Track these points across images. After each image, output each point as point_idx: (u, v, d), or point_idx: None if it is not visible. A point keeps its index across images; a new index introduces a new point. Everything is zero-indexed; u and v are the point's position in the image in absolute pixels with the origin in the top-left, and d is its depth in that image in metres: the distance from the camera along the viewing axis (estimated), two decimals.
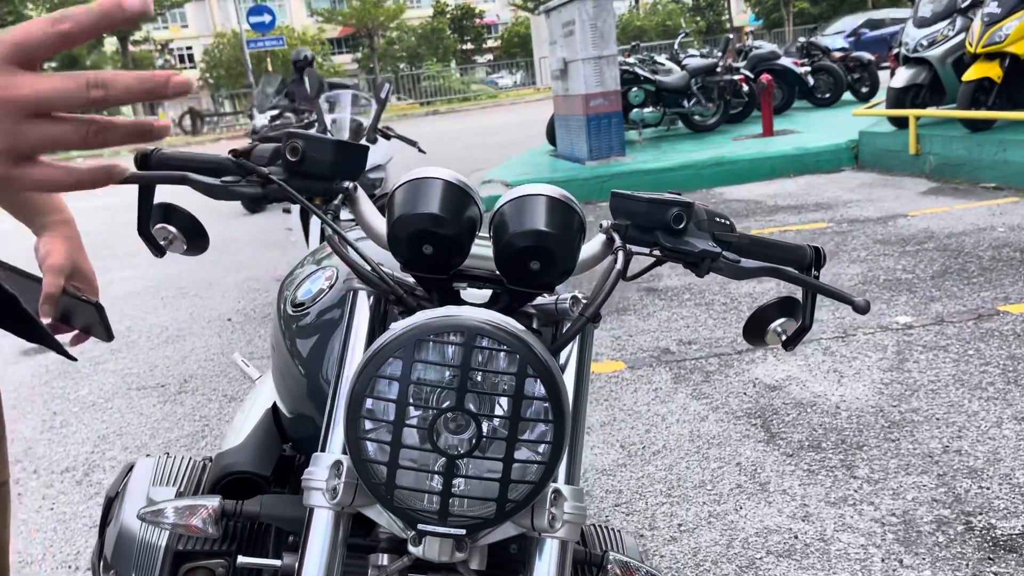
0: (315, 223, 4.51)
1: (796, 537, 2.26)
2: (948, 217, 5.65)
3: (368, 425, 0.80)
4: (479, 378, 0.80)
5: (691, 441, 2.87)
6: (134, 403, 3.77)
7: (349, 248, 0.92)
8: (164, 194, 0.94)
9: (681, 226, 0.96)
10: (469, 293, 0.99)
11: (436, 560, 0.86)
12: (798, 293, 1.04)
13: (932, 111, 7.30)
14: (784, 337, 1.04)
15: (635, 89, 9.74)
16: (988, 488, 2.38)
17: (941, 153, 7.07)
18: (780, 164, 7.95)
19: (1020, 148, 6.33)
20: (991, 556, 2.08)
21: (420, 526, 0.80)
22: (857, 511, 2.35)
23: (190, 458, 1.33)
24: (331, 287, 1.17)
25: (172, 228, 1.03)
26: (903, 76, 7.59)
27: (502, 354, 0.79)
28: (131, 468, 1.31)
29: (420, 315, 0.81)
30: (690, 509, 2.45)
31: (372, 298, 0.95)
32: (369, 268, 0.91)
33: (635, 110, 9.78)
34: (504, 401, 0.80)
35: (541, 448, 0.81)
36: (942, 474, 2.48)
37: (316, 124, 4.59)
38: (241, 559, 0.98)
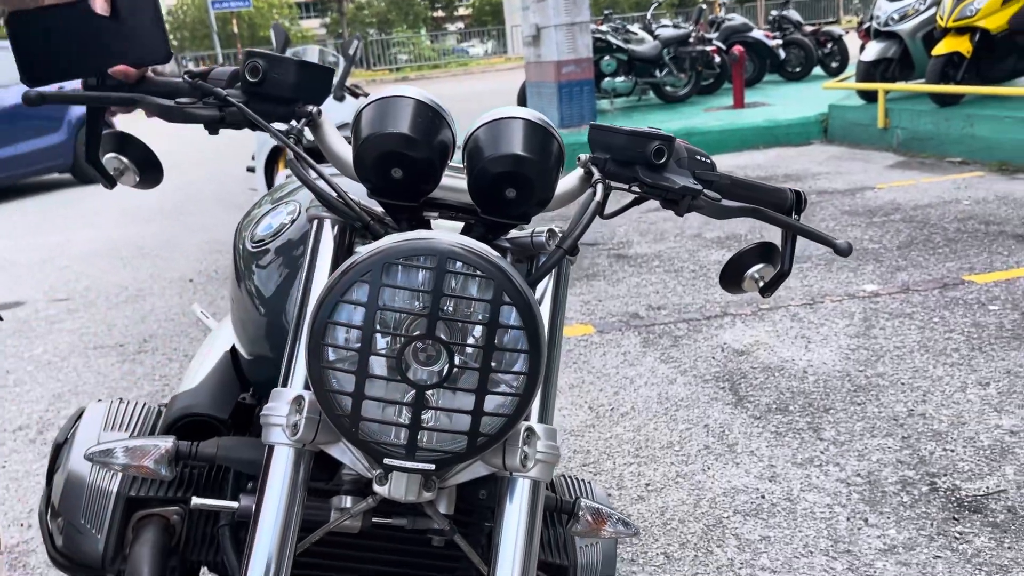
0: (280, 181, 4.42)
1: (763, 497, 2.26)
2: (914, 190, 5.69)
3: (331, 355, 0.75)
4: (451, 305, 0.75)
5: (659, 403, 2.86)
6: (91, 362, 3.67)
7: (312, 172, 0.87)
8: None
9: (662, 161, 0.92)
10: (439, 224, 0.95)
11: (402, 499, 0.82)
12: (775, 239, 1.01)
13: (901, 85, 7.34)
14: (762, 283, 1.01)
15: (607, 58, 9.67)
16: (952, 451, 2.40)
17: (909, 127, 7.11)
18: (751, 136, 7.95)
19: (987, 123, 6.39)
20: (955, 516, 2.10)
21: (387, 460, 0.76)
22: (823, 472, 2.35)
23: (144, 403, 1.27)
24: (293, 222, 1.11)
25: (124, 159, 0.98)
26: (873, 50, 7.61)
27: (476, 280, 0.74)
28: (81, 413, 1.25)
29: (389, 238, 0.76)
30: (658, 469, 2.44)
31: (336, 227, 0.90)
32: (335, 194, 0.86)
33: (607, 79, 9.71)
34: (477, 330, 0.76)
35: (516, 380, 0.77)
36: (907, 437, 2.50)
37: None
38: (195, 500, 0.93)
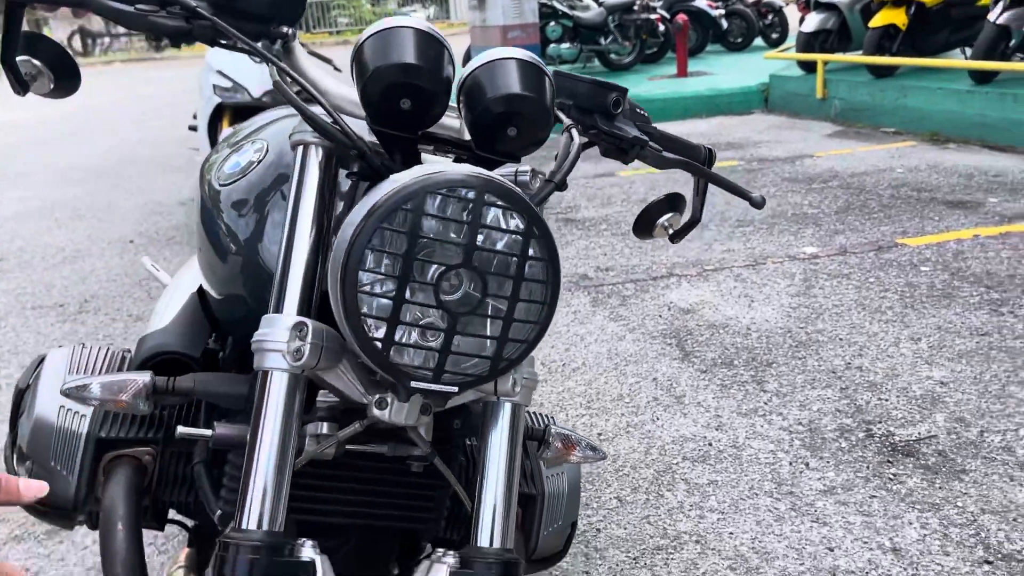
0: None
1: (710, 444, 2.34)
2: (851, 158, 5.85)
3: (364, 279, 0.76)
4: (481, 237, 0.77)
5: (609, 359, 2.93)
6: (30, 322, 3.58)
7: (300, 93, 0.86)
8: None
9: (618, 111, 0.99)
10: (428, 159, 0.95)
11: (402, 423, 0.84)
12: (684, 190, 1.09)
13: (839, 56, 7.50)
14: (671, 231, 1.09)
15: (552, 24, 9.66)
16: (887, 400, 2.52)
17: (846, 98, 7.29)
18: (693, 105, 8.05)
19: (919, 94, 6.59)
20: (890, 459, 2.21)
21: (414, 383, 0.77)
22: (767, 421, 2.45)
23: (108, 347, 1.26)
24: (260, 160, 1.10)
25: (37, 62, 0.92)
26: (813, 21, 7.76)
27: (509, 213, 0.77)
28: (42, 359, 1.23)
29: (422, 168, 0.77)
30: (609, 420, 2.50)
31: (322, 154, 0.89)
32: (329, 119, 0.85)
33: (552, 45, 9.70)
34: (502, 261, 0.78)
35: (536, 309, 0.79)
36: (845, 388, 2.61)
37: None
38: (180, 429, 0.94)
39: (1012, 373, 2.61)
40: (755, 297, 3.41)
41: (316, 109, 0.86)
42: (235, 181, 1.10)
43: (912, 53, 6.90)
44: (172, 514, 1.23)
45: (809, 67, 7.78)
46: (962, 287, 3.33)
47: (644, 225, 1.10)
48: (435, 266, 0.75)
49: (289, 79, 0.85)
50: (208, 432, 0.96)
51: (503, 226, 0.76)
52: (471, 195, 0.74)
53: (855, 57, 7.20)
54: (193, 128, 4.99)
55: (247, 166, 1.10)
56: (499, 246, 0.77)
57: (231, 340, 1.19)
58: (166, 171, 6.84)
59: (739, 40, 11.85)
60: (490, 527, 0.86)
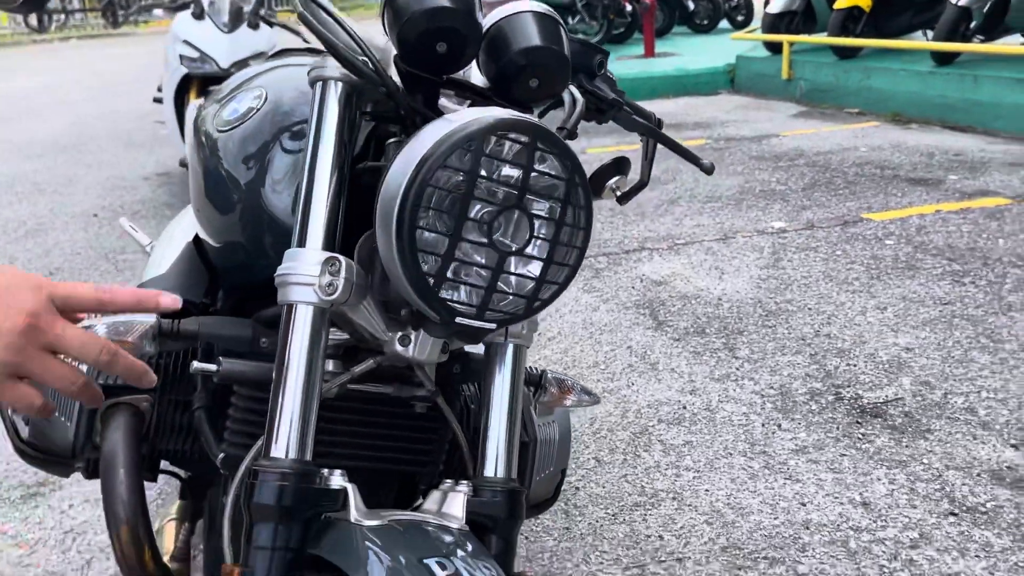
0: (191, 113, 4.25)
1: (685, 408, 2.39)
2: (816, 138, 5.95)
3: (420, 215, 0.76)
4: (531, 180, 0.79)
5: (584, 328, 2.96)
6: None
7: (330, 26, 0.86)
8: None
9: (600, 72, 1.04)
10: (442, 104, 0.96)
11: (423, 360, 0.87)
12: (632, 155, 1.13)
13: (804, 37, 7.60)
14: (619, 193, 1.13)
15: None
16: (855, 365, 2.58)
17: (811, 79, 7.39)
18: (660, 85, 8.10)
19: (883, 76, 6.70)
20: (858, 420, 2.28)
21: (459, 319, 0.79)
22: (739, 385, 2.50)
23: None
24: (259, 108, 1.10)
25: None
26: (779, 2, 7.83)
27: (555, 158, 0.79)
28: None
29: (476, 111, 0.79)
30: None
31: (342, 91, 0.87)
32: (360, 51, 0.85)
33: None
34: (547, 205, 0.80)
35: (573, 252, 0.82)
36: (814, 354, 2.67)
37: (192, 4, 4.30)
38: (195, 364, 0.94)
39: (974, 339, 2.69)
40: (725, 269, 3.47)
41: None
42: (235, 127, 1.09)
43: (875, 35, 7.01)
44: (165, 466, 1.23)
45: (775, 48, 7.86)
46: (925, 259, 3.42)
47: (593, 188, 1.13)
48: (489, 206, 0.77)
49: (312, 10, 0.85)
50: (209, 367, 0.96)
51: (550, 172, 0.78)
52: (524, 139, 0.76)
53: (820, 38, 7.29)
54: (158, 100, 4.92)
55: (247, 112, 1.09)
56: (551, 191, 0.79)
57: (222, 293, 1.20)
58: (128, 147, 6.72)
59: (705, 22, 11.92)
60: (495, 459, 0.89)
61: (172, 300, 0.77)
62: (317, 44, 0.89)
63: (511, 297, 0.80)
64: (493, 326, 0.81)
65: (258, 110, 1.10)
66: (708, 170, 1.10)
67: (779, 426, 2.27)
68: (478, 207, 0.77)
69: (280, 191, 1.01)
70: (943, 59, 6.28)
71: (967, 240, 3.61)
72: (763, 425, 2.28)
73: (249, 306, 1.13)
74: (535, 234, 0.79)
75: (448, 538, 0.81)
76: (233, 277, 1.15)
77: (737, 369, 2.61)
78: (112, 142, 6.97)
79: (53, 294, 0.70)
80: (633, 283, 3.38)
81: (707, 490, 2.00)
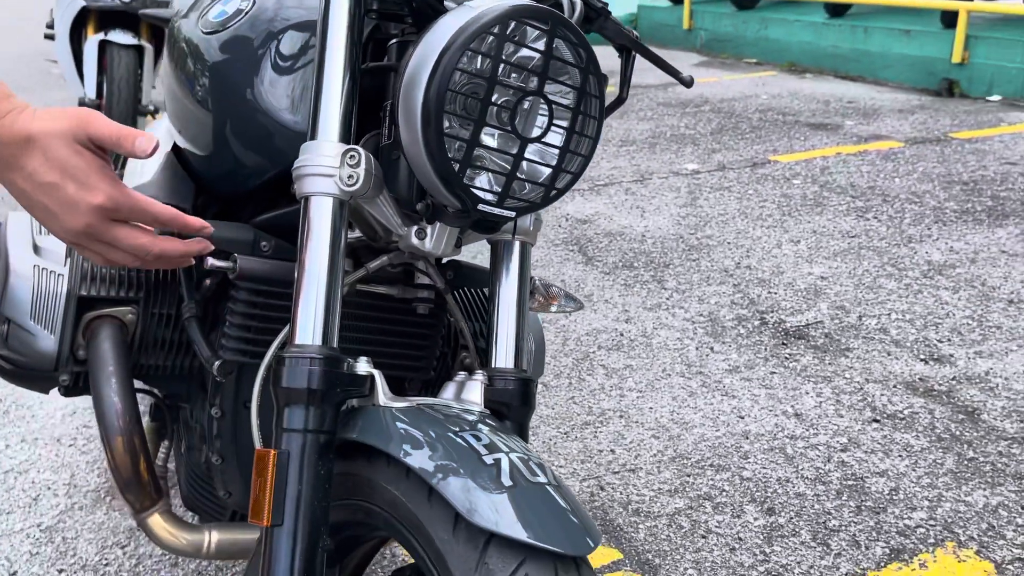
0: (91, 51, 3.99)
1: (622, 335, 2.47)
2: (719, 86, 6.13)
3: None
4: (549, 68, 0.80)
5: None
6: None
7: None
8: None
9: None
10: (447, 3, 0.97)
11: (439, 253, 0.88)
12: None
13: None
14: None
15: None
16: (776, 293, 2.73)
17: (711, 29, 7.58)
18: None
19: (779, 26, 6.94)
20: (784, 342, 2.42)
21: (481, 207, 0.79)
22: (671, 313, 2.61)
23: None
24: (248, 11, 1.07)
25: None
26: None
27: (573, 48, 0.79)
28: (2, 223, 1.17)
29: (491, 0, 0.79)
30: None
31: None
32: None
33: None
34: (564, 93, 0.81)
35: (586, 142, 0.83)
36: (737, 284, 2.81)
37: None
38: (211, 261, 0.93)
39: (880, 268, 2.89)
40: (646, 208, 3.57)
41: None
42: (224, 29, 1.06)
43: None
44: (138, 385, 1.21)
45: None
46: (831, 197, 3.62)
47: None
48: (511, 91, 0.78)
49: None
50: (224, 264, 0.95)
51: (568, 59, 0.79)
52: (544, 26, 0.77)
53: None
54: (50, 37, 4.59)
55: (234, 15, 1.06)
56: (568, 80, 0.81)
57: (202, 200, 1.17)
58: (19, 90, 6.26)
59: None
60: (505, 350, 0.92)
61: (148, 138, 0.75)
62: None
63: (529, 185, 0.82)
64: (513, 214, 0.82)
65: (246, 13, 1.06)
66: (688, 83, 1.14)
67: (712, 349, 2.38)
68: (498, 94, 0.78)
69: (277, 89, 0.99)
70: (836, 11, 6.56)
71: (867, 179, 3.83)
72: (697, 348, 2.39)
73: (236, 213, 1.12)
74: (552, 122, 0.81)
75: (472, 417, 0.84)
76: (220, 185, 1.13)
77: (667, 299, 2.71)
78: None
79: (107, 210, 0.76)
80: (559, 222, 3.44)
81: (651, 408, 2.10)
